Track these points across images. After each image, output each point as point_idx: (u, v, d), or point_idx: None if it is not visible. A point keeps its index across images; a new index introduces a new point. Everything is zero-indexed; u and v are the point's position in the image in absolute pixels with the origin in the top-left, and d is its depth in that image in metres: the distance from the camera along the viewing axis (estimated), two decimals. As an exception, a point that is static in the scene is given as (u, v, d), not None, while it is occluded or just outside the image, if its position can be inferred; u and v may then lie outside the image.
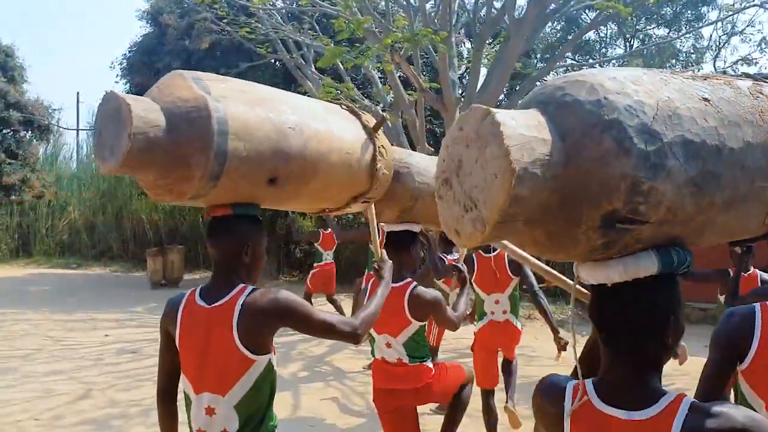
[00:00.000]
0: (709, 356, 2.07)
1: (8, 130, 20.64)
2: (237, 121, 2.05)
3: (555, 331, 4.89)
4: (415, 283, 3.40)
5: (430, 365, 3.52)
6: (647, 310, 1.42)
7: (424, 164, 3.33)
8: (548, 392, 1.57)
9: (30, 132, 21.36)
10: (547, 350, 8.54)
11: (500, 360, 5.23)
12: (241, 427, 2.15)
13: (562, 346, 4.79)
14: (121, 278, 17.73)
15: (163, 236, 20.13)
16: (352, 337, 2.22)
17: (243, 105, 2.12)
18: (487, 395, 4.85)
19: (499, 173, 1.31)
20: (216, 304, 2.17)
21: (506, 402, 5.04)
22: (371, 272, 7.40)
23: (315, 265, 9.80)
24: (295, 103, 2.37)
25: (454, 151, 1.47)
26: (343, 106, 2.68)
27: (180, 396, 2.38)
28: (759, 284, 5.25)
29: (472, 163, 1.40)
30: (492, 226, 1.35)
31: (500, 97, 14.07)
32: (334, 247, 9.81)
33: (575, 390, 1.49)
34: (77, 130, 26.05)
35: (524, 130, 1.34)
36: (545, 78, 17.20)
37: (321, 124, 2.36)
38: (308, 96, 11.89)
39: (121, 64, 16.35)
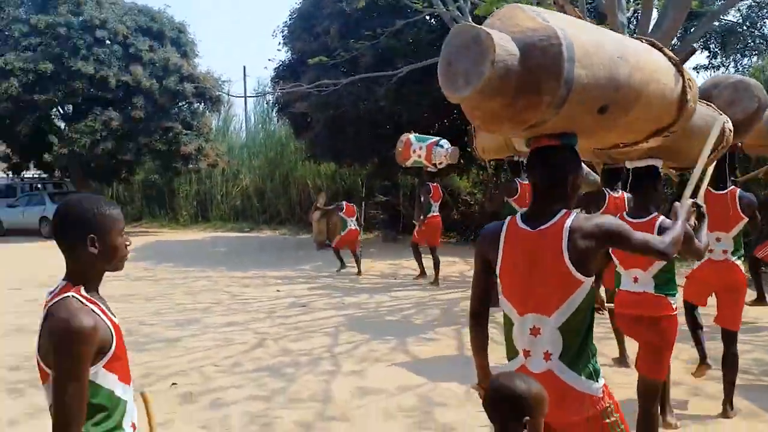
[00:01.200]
0: None
1: (183, 103, 22.08)
2: (580, 48, 2.13)
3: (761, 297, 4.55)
4: (662, 216, 3.47)
5: (674, 303, 3.63)
6: None
7: None
8: None
9: (202, 104, 22.72)
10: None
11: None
12: (564, 350, 2.21)
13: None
14: (289, 240, 18.52)
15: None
16: (664, 254, 2.34)
17: (578, 33, 2.18)
18: (693, 307, 4.66)
19: None
20: (542, 227, 2.26)
21: (725, 404, 4.56)
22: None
23: None
24: (609, 34, 2.42)
25: None
26: (644, 40, 2.63)
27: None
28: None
29: None
30: None
31: (673, 41, 12.94)
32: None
33: None
34: (245, 97, 27.41)
35: None
36: (724, 16, 15.63)
37: (637, 54, 2.39)
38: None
39: (282, 32, 16.82)
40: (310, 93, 14.36)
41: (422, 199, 10.33)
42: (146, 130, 20.44)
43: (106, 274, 2.00)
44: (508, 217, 2.36)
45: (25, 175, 25.61)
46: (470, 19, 11.79)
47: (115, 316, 1.96)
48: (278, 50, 17.43)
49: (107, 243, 1.92)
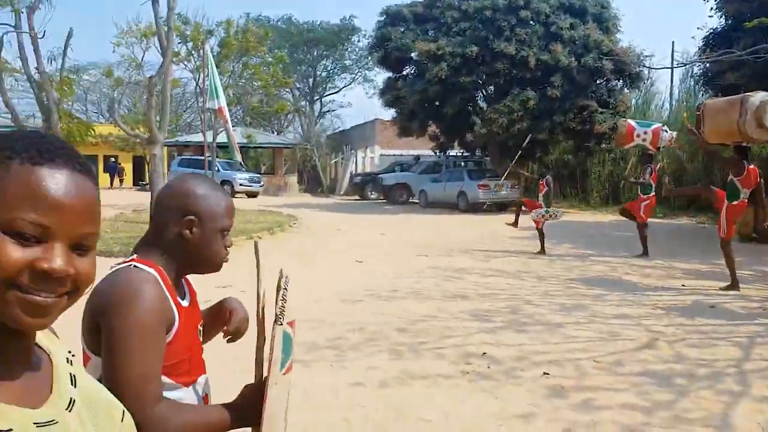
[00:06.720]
0: None
1: (601, 80, 21.31)
2: None
3: None
4: None
5: None
6: None
7: None
8: None
9: (621, 80, 21.64)
10: None
11: None
12: None
13: None
14: (708, 230, 16.54)
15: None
16: None
17: None
18: None
19: None
20: None
21: None
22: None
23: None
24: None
25: None
26: None
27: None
28: None
29: None
30: None
31: None
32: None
33: None
34: (671, 68, 25.32)
35: None
36: None
37: None
38: None
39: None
40: (746, 62, 12.46)
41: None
42: (561, 108, 20.29)
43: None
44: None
45: (450, 153, 27.76)
46: None
47: None
48: (709, 16, 15.52)
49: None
